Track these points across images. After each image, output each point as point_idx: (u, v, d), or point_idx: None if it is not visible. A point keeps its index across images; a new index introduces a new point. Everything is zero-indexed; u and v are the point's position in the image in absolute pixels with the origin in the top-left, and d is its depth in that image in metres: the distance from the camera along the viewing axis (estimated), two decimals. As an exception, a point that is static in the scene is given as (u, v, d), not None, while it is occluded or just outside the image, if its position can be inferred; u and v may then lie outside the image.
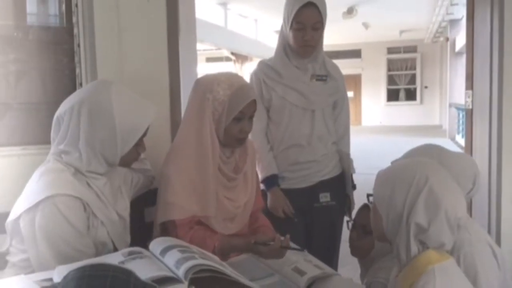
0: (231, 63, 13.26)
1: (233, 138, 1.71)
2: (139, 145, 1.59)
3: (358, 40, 15.97)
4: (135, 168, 1.79)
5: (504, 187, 2.73)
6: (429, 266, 1.26)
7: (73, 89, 1.96)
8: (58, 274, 1.19)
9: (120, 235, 1.61)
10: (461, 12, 10.07)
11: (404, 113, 17.45)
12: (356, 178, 2.42)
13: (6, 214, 1.49)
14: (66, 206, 1.43)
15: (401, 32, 14.60)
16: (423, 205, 1.27)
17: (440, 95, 16.56)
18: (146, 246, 1.40)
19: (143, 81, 2.01)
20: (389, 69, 17.82)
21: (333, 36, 11.85)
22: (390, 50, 17.53)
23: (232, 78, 1.70)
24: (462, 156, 1.82)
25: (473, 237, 1.53)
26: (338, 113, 2.34)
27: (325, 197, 2.27)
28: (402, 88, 17.91)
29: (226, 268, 1.31)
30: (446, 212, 1.26)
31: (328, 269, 1.63)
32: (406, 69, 17.71)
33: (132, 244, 1.61)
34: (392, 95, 17.96)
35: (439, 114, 16.82)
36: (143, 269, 1.18)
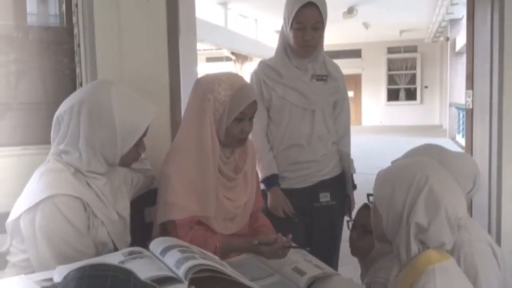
0: (231, 63, 13.25)
1: (234, 138, 1.71)
2: (139, 145, 1.59)
3: (358, 40, 15.97)
4: (135, 168, 1.79)
5: (504, 187, 2.73)
6: (429, 266, 1.26)
7: (73, 89, 1.96)
8: (58, 274, 1.19)
9: (120, 235, 1.62)
10: (461, 11, 10.07)
11: (404, 113, 17.45)
12: (356, 178, 2.42)
13: (7, 214, 1.49)
14: (66, 206, 1.43)
15: (401, 32, 14.60)
16: (423, 205, 1.27)
17: (440, 95, 16.56)
18: (146, 246, 1.40)
19: (143, 81, 2.01)
20: (389, 69, 17.82)
21: (333, 36, 11.84)
22: (390, 50, 17.52)
23: (233, 78, 1.70)
24: (462, 156, 1.82)
25: (473, 237, 1.52)
26: (338, 113, 2.34)
27: (325, 197, 2.27)
28: (402, 88, 17.91)
29: (226, 268, 1.31)
30: (446, 212, 1.26)
31: (328, 269, 1.63)
32: (406, 69, 17.71)
33: (132, 244, 1.61)
34: (392, 95, 17.95)
35: (439, 114, 16.82)
36: (143, 269, 1.18)
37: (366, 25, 12.81)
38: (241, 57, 13.14)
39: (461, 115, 11.15)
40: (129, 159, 1.60)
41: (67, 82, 2.04)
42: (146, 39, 2.08)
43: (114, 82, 1.59)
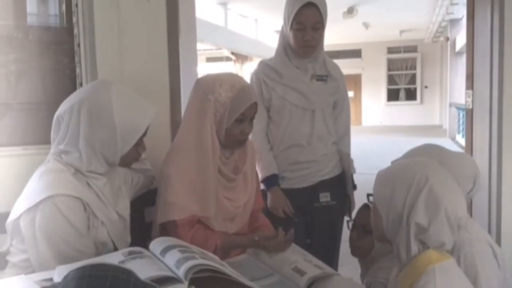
0: (231, 63, 13.25)
1: (233, 139, 1.71)
2: (139, 145, 1.59)
3: (358, 40, 15.97)
4: (135, 168, 1.79)
5: (504, 187, 2.73)
6: (429, 266, 1.26)
7: (73, 89, 1.96)
8: (58, 274, 1.20)
9: (120, 235, 1.62)
10: (461, 11, 10.07)
11: (404, 113, 17.45)
12: (356, 178, 2.42)
13: (7, 214, 1.49)
14: (66, 206, 1.43)
15: (401, 32, 14.60)
16: (423, 204, 1.27)
17: (440, 95, 16.56)
18: (146, 246, 1.40)
19: (143, 81, 2.01)
20: (389, 69, 17.81)
21: (333, 36, 11.84)
22: (390, 50, 17.52)
23: (234, 80, 1.70)
24: (462, 156, 1.82)
25: (473, 237, 1.52)
26: (338, 113, 2.34)
27: (325, 197, 2.27)
28: (402, 88, 17.91)
29: (226, 268, 1.31)
30: (446, 212, 1.26)
31: (328, 269, 1.63)
32: (406, 69, 17.71)
33: (132, 244, 1.61)
34: (392, 95, 17.95)
35: (439, 114, 16.82)
36: (143, 269, 1.18)
37: (366, 25, 12.81)
38: (241, 57, 13.14)
39: (461, 115, 11.15)
40: (129, 159, 1.60)
41: (67, 82, 2.04)
42: (146, 39, 2.08)
43: (114, 82, 1.59)
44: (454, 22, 12.26)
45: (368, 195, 1.68)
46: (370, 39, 15.62)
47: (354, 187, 2.39)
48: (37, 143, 1.91)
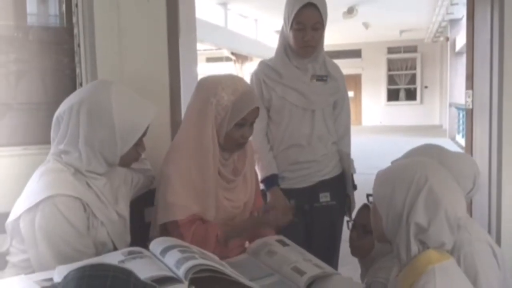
0: (231, 63, 13.25)
1: (233, 142, 1.72)
2: (139, 145, 1.59)
3: (358, 40, 15.96)
4: (135, 168, 1.79)
5: (504, 187, 2.73)
6: (429, 266, 1.26)
7: (74, 89, 1.96)
8: (58, 274, 1.20)
9: (120, 235, 1.62)
10: (461, 11, 10.07)
11: (404, 113, 17.44)
12: (356, 178, 2.42)
13: (7, 214, 1.49)
14: (66, 207, 1.43)
15: (401, 32, 14.60)
16: (422, 204, 1.27)
17: (440, 95, 16.55)
18: (146, 246, 1.40)
19: (143, 81, 2.01)
20: (389, 69, 17.81)
21: (333, 36, 11.83)
22: (390, 50, 17.52)
23: (236, 83, 1.70)
24: (462, 156, 1.82)
25: (473, 237, 1.52)
26: (338, 113, 2.34)
27: (325, 197, 2.27)
28: (402, 88, 17.91)
29: (226, 268, 1.31)
30: (446, 212, 1.26)
31: (328, 268, 1.63)
32: (406, 69, 17.70)
33: (132, 244, 1.61)
34: (392, 95, 17.95)
35: (439, 114, 16.82)
36: (143, 269, 1.18)
37: (366, 25, 12.81)
38: (241, 57, 13.14)
39: (461, 115, 11.15)
40: (129, 159, 1.60)
41: (67, 82, 2.04)
42: (146, 39, 2.08)
43: (114, 82, 1.59)
44: (454, 22, 12.26)
45: (368, 195, 1.68)
46: (370, 39, 15.62)
47: (354, 187, 2.39)
48: (37, 143, 1.91)
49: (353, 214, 2.12)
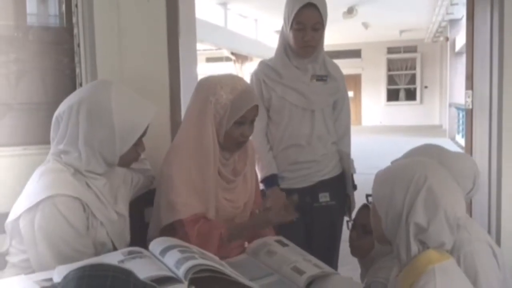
0: (231, 63, 13.25)
1: (233, 141, 1.72)
2: (139, 145, 1.59)
3: (358, 40, 15.96)
4: (135, 168, 1.79)
5: (504, 187, 2.73)
6: (429, 266, 1.26)
7: (73, 89, 1.96)
8: (58, 274, 1.20)
9: (120, 235, 1.61)
10: (461, 11, 10.07)
11: (404, 113, 17.45)
12: (356, 178, 2.42)
13: (7, 214, 1.49)
14: (65, 207, 1.42)
15: (401, 32, 14.60)
16: (422, 204, 1.27)
17: (440, 95, 16.55)
18: (145, 246, 1.40)
19: (143, 81, 2.01)
20: (389, 69, 17.82)
21: (333, 36, 11.83)
22: (390, 50, 17.52)
23: (235, 82, 1.70)
24: (462, 156, 1.82)
25: (473, 236, 1.53)
26: (338, 113, 2.34)
27: (324, 197, 2.27)
28: (402, 88, 17.91)
29: (225, 268, 1.31)
30: (445, 212, 1.26)
31: (327, 268, 1.63)
32: (406, 69, 17.71)
33: (132, 244, 1.61)
34: (392, 95, 17.95)
35: (439, 114, 16.82)
36: (143, 269, 1.18)
37: (366, 25, 12.81)
38: (241, 57, 13.14)
39: (460, 115, 11.15)
40: (128, 159, 1.60)
41: (67, 82, 2.04)
42: (146, 39, 2.08)
43: (114, 82, 1.59)
44: (453, 22, 12.26)
45: (367, 195, 1.68)
46: (370, 39, 15.62)
47: (355, 187, 2.39)
48: (37, 143, 1.91)
49: (353, 214, 2.12)
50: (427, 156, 1.55)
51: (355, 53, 17.47)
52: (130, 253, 1.32)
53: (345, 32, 13.24)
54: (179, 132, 1.79)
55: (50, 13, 2.19)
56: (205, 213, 1.69)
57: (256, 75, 2.29)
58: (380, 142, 12.33)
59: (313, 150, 2.25)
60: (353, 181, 2.39)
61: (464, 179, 1.61)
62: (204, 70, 10.99)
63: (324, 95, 2.27)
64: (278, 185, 2.24)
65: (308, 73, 2.25)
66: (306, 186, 2.26)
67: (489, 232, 2.74)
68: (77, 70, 2.03)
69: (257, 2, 10.38)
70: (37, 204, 1.41)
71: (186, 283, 1.17)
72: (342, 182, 2.35)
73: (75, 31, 2.02)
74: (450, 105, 13.10)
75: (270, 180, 2.23)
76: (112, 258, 1.28)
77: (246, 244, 1.80)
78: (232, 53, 12.71)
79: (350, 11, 10.54)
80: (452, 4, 10.10)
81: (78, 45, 2.02)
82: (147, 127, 1.58)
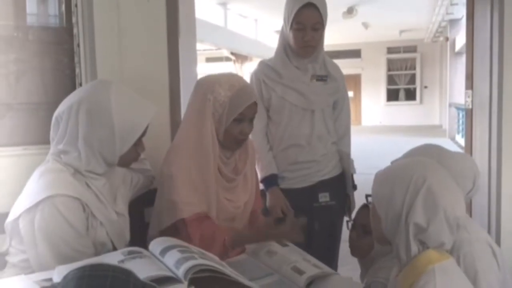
0: (231, 63, 13.25)
1: (233, 139, 1.72)
2: (138, 145, 1.59)
3: (358, 40, 15.97)
4: (135, 168, 1.79)
5: (504, 187, 2.73)
6: (429, 265, 1.26)
7: (73, 89, 1.96)
8: (58, 274, 1.20)
9: (119, 235, 1.61)
10: (461, 11, 10.07)
11: (404, 113, 17.45)
12: (356, 178, 2.42)
13: (7, 214, 1.49)
14: (65, 207, 1.42)
15: (401, 32, 14.60)
16: (421, 204, 1.27)
17: (440, 95, 16.56)
18: (145, 246, 1.40)
19: (143, 81, 2.01)
20: (389, 69, 17.82)
21: (333, 36, 11.83)
22: (390, 50, 17.52)
23: (233, 80, 1.70)
24: (462, 156, 1.82)
25: (473, 236, 1.53)
26: (338, 113, 2.34)
27: (324, 197, 2.27)
28: (402, 88, 17.91)
29: (225, 268, 1.31)
30: (445, 212, 1.26)
31: (327, 269, 1.63)
32: (406, 69, 17.71)
33: (132, 244, 1.60)
34: (392, 95, 17.96)
35: (439, 114, 16.82)
36: (142, 269, 1.18)
37: (365, 25, 12.81)
38: (241, 57, 13.14)
39: (460, 115, 11.15)
40: (128, 159, 1.60)
41: (67, 82, 2.04)
42: (146, 39, 2.08)
43: (114, 81, 1.59)
44: (453, 22, 12.26)
45: (367, 195, 1.68)
46: (369, 39, 15.62)
47: (355, 187, 2.39)
48: (37, 143, 1.91)
49: (353, 214, 2.12)
50: (427, 156, 1.55)
51: (355, 53, 17.47)
52: (130, 253, 1.32)
53: (345, 32, 13.24)
54: (179, 132, 1.79)
55: (50, 13, 2.19)
56: (207, 212, 1.69)
57: (256, 75, 2.29)
58: (380, 142, 12.33)
59: (313, 150, 2.25)
60: (353, 181, 2.39)
61: (464, 179, 1.61)
62: (204, 70, 10.98)
63: (324, 95, 2.27)
64: (278, 185, 2.24)
65: (308, 73, 2.25)
66: (306, 186, 2.26)
67: (489, 232, 2.74)
68: (77, 70, 2.03)
69: (257, 2, 10.38)
70: (37, 204, 1.41)
71: (186, 283, 1.17)
72: (342, 182, 2.35)
73: (75, 31, 2.02)
74: (450, 105, 13.11)
75: (270, 180, 2.23)
76: (112, 258, 1.28)
77: (246, 244, 1.80)
78: (232, 53, 12.71)
79: (350, 11, 10.54)
80: (452, 4, 10.11)
81: (78, 45, 2.02)
82: (147, 127, 1.58)
